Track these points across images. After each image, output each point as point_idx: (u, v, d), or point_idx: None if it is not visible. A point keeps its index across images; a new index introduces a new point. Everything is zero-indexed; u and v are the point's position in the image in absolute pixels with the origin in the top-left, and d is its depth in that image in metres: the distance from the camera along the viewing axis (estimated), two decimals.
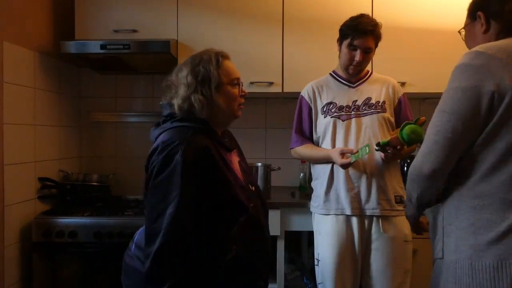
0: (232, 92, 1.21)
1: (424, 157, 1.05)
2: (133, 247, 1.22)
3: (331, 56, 1.81)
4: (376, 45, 1.65)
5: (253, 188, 1.27)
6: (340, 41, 1.67)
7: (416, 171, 1.08)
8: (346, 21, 1.64)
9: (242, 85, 1.26)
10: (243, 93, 1.25)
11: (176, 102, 1.16)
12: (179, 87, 1.17)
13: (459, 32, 1.25)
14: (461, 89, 0.99)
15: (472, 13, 1.15)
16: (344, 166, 1.58)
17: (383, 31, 1.63)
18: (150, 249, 1.01)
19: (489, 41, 1.07)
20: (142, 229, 1.22)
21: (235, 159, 1.27)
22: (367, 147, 1.50)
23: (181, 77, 1.18)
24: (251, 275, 1.16)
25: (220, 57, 1.20)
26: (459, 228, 1.03)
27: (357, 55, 1.61)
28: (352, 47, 1.61)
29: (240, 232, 1.12)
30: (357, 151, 1.54)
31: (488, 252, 0.96)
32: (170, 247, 1.01)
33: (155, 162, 1.07)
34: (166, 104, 1.22)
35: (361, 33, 1.58)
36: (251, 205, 1.17)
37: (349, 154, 1.56)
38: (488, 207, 0.99)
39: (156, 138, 1.18)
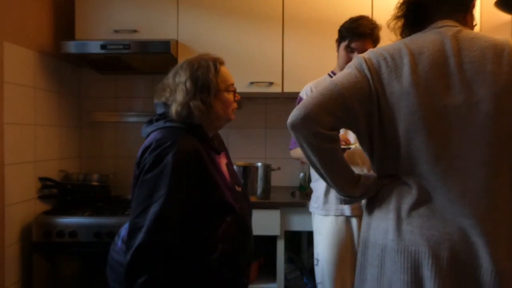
0: (228, 98, 1.24)
1: None
2: (119, 242, 1.23)
3: (331, 56, 1.81)
4: (374, 48, 1.64)
5: (239, 189, 1.29)
6: (339, 42, 1.67)
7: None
8: (345, 23, 1.64)
9: (236, 90, 1.30)
10: (237, 98, 1.29)
11: (174, 107, 1.16)
12: (177, 92, 1.18)
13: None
14: None
15: None
16: None
17: (382, 31, 1.63)
18: (132, 242, 1.04)
19: None
20: (127, 224, 1.24)
21: (223, 161, 1.30)
22: None
23: (179, 82, 1.18)
24: (236, 273, 1.19)
25: (217, 63, 1.22)
26: None
27: (354, 57, 1.60)
28: (349, 49, 1.61)
29: (227, 231, 1.15)
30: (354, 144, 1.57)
31: None
32: (151, 244, 1.04)
33: (147, 159, 1.10)
34: (161, 103, 1.23)
35: (359, 35, 1.58)
36: (238, 205, 1.20)
37: (343, 143, 1.57)
38: None
39: (148, 135, 1.20)
